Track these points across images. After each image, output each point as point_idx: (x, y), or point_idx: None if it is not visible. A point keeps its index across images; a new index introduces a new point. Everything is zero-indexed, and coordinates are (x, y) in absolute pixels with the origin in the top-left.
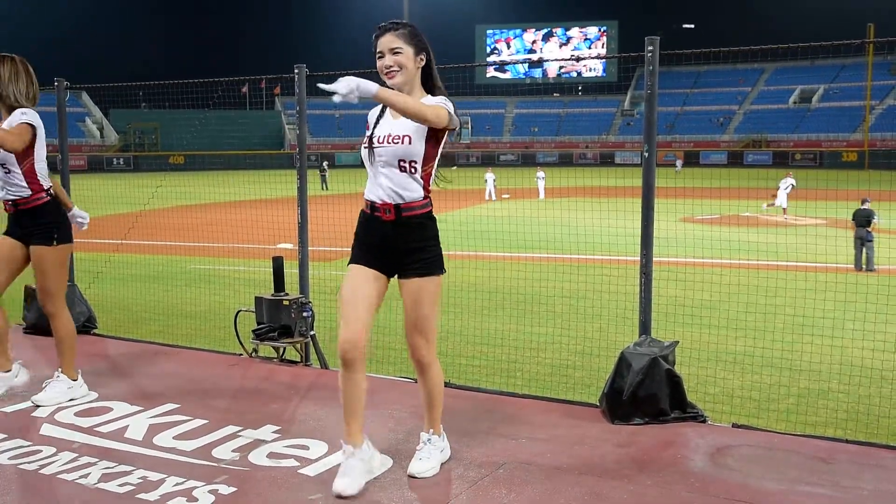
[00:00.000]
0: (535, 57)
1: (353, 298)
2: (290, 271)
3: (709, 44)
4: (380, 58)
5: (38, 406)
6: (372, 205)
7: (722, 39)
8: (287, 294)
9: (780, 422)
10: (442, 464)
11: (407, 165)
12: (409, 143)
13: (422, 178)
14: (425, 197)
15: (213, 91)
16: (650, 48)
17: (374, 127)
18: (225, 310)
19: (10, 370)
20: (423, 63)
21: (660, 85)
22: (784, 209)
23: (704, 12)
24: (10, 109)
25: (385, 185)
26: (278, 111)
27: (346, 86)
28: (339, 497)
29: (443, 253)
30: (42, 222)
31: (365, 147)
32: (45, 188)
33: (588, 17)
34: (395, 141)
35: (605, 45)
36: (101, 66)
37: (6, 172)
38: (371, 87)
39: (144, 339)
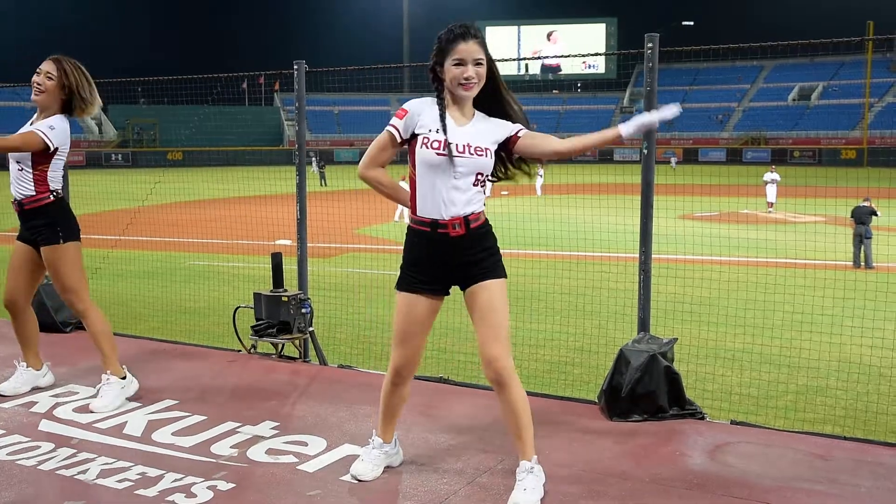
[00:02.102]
0: (534, 53)
1: (413, 328)
2: (289, 267)
3: (708, 41)
4: (458, 65)
5: (31, 400)
6: (434, 222)
7: (721, 37)
8: (286, 290)
9: (779, 419)
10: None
11: (483, 179)
12: (489, 156)
13: (483, 190)
14: (483, 207)
15: (211, 87)
16: (650, 45)
17: (445, 132)
18: (223, 306)
19: (39, 369)
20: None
21: (659, 82)
22: (769, 203)
23: (703, 10)
24: (64, 112)
25: (457, 199)
26: (277, 107)
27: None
28: (356, 479)
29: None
30: (46, 222)
31: (440, 153)
32: (52, 189)
33: (588, 13)
34: (480, 153)
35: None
36: (100, 62)
37: (19, 170)
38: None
39: (143, 336)
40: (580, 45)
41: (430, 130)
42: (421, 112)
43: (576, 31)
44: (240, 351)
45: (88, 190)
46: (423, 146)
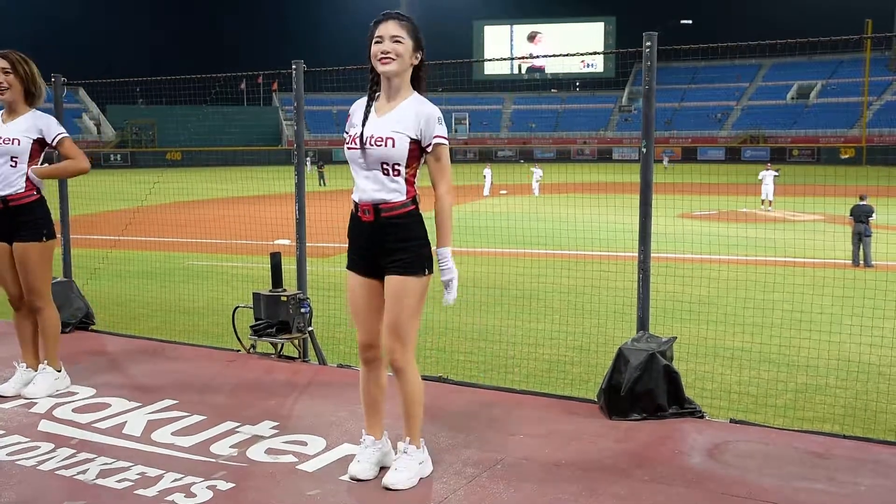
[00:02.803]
0: (532, 52)
1: (355, 306)
2: (288, 267)
3: (706, 40)
4: (377, 42)
5: (31, 400)
6: (355, 204)
7: (719, 35)
8: (285, 290)
9: (778, 417)
10: (421, 478)
11: (390, 169)
12: (393, 145)
13: (405, 180)
14: (407, 197)
15: (210, 87)
16: (648, 44)
17: (363, 126)
18: (223, 306)
19: (60, 370)
20: (418, 61)
21: (657, 81)
22: (770, 201)
23: (702, 8)
24: (30, 106)
25: (367, 186)
26: (276, 107)
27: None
28: (354, 479)
29: (430, 255)
30: (31, 219)
31: (352, 148)
32: (37, 186)
33: (586, 12)
34: (380, 143)
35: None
36: (98, 62)
37: (11, 166)
38: (451, 271)
39: (142, 336)
40: (578, 44)
41: (351, 127)
42: (353, 112)
43: (574, 29)
44: (239, 351)
45: (87, 190)
46: (345, 143)
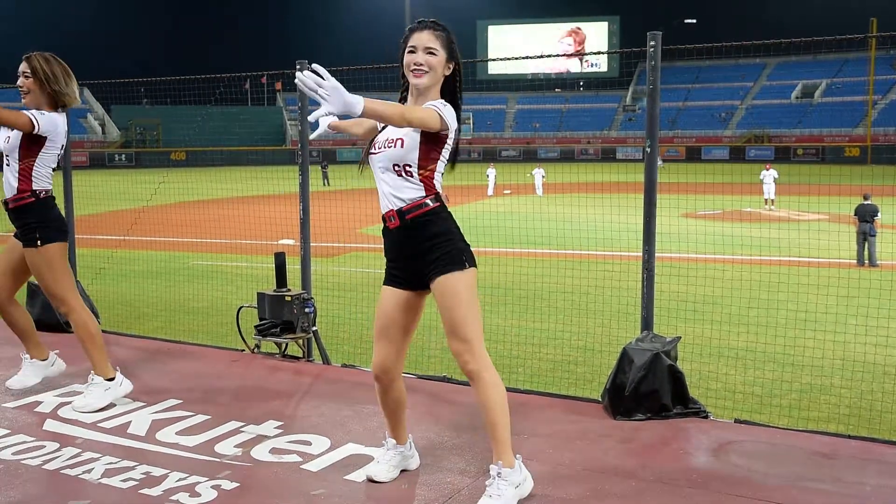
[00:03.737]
0: (536, 52)
1: (382, 321)
2: (293, 267)
3: (710, 39)
4: (410, 52)
5: (36, 400)
6: (383, 217)
7: (723, 34)
8: (289, 290)
9: (783, 417)
10: (519, 501)
11: (401, 169)
12: (402, 145)
13: (422, 179)
14: (427, 195)
15: (214, 87)
16: (652, 43)
17: (380, 131)
18: (227, 306)
19: (46, 358)
20: (450, 72)
21: (661, 80)
22: (772, 200)
23: (706, 7)
24: (61, 109)
25: (385, 190)
26: (280, 107)
27: (334, 104)
28: (371, 481)
29: (467, 248)
30: (24, 223)
31: (372, 153)
32: (34, 189)
33: (590, 12)
34: (390, 144)
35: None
36: (103, 63)
37: (7, 165)
38: (357, 102)
39: (147, 335)
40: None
41: (378, 134)
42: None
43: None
44: (243, 350)
45: (92, 191)
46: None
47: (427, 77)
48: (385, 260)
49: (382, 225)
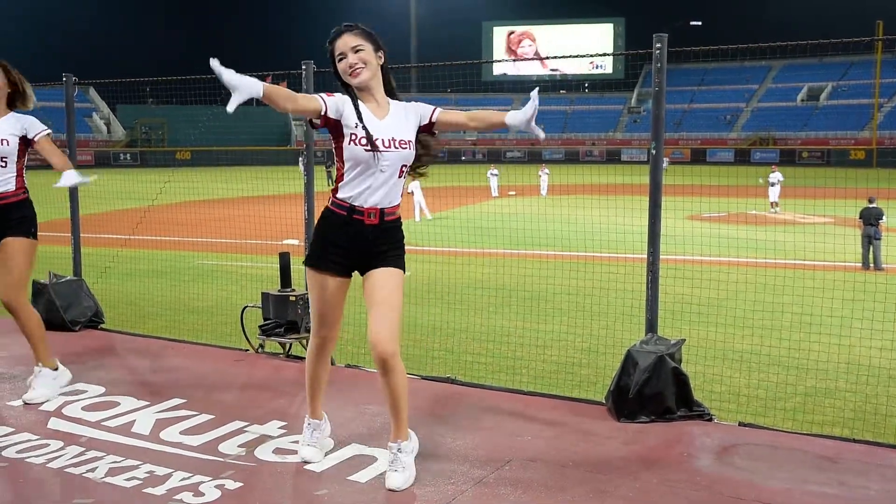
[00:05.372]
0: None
1: (327, 308)
2: (297, 267)
3: (716, 41)
4: (341, 59)
5: (30, 403)
6: (352, 207)
7: (729, 37)
8: (293, 290)
9: (787, 420)
10: (415, 457)
11: (401, 172)
12: (411, 147)
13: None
14: (401, 198)
15: (220, 87)
16: (658, 45)
17: (364, 125)
18: (231, 305)
19: (56, 368)
20: (382, 60)
21: (667, 82)
22: (775, 202)
23: (711, 10)
24: (10, 109)
25: (381, 189)
26: None
27: (241, 92)
28: (307, 463)
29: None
30: (21, 216)
31: (367, 150)
32: (26, 188)
33: (595, 14)
34: (404, 146)
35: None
36: (109, 62)
37: (3, 166)
38: (257, 86)
39: (151, 335)
40: (587, 46)
41: (355, 125)
42: (344, 103)
43: (583, 30)
44: (247, 350)
45: (98, 190)
46: (352, 143)
47: (365, 72)
48: (320, 243)
49: (344, 214)
